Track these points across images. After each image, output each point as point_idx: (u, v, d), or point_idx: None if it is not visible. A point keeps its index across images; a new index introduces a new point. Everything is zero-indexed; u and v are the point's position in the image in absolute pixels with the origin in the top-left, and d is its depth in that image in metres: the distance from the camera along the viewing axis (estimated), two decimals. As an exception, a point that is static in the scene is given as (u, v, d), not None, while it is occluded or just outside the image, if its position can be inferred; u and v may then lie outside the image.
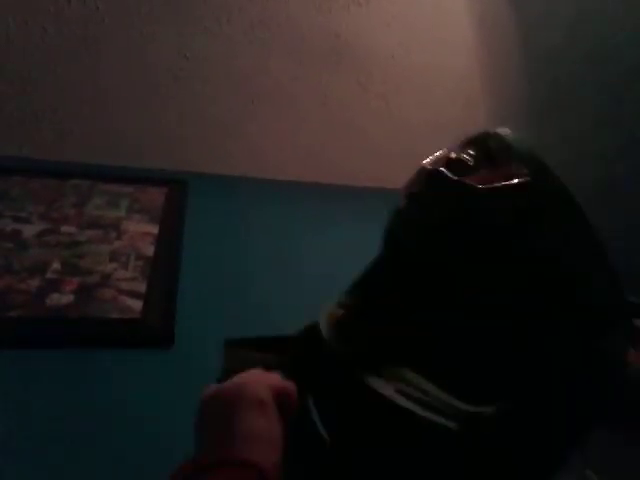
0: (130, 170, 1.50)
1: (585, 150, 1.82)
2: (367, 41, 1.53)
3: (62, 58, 1.41)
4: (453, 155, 0.54)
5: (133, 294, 0.97)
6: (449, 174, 0.50)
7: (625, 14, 1.63)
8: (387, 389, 0.43)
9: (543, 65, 1.69)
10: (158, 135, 1.54)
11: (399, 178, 1.76)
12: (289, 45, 1.50)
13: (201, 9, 1.43)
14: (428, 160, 0.57)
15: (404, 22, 1.53)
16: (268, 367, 0.50)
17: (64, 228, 1.15)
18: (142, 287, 0.99)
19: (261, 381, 0.47)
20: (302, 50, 1.51)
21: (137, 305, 0.95)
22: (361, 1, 1.48)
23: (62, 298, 0.93)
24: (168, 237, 1.18)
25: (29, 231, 1.11)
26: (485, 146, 0.53)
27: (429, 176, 0.53)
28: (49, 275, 0.98)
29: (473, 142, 0.55)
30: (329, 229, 1.40)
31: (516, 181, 0.46)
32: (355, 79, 1.57)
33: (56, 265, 1.01)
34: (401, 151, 1.70)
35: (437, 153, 0.58)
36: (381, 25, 1.52)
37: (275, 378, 0.48)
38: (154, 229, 1.20)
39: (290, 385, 0.47)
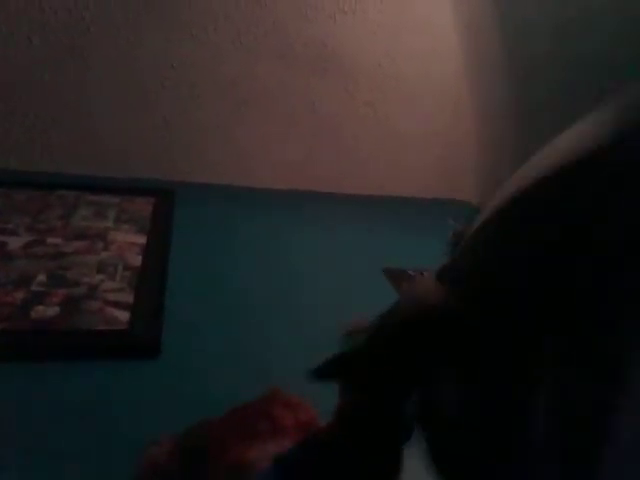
0: (117, 180, 1.50)
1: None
2: (354, 49, 1.54)
3: (48, 68, 1.41)
4: None
5: (120, 305, 0.96)
6: None
7: (609, 20, 1.65)
8: None
9: (528, 70, 1.71)
10: (145, 144, 1.53)
11: (387, 185, 1.78)
12: (276, 53, 1.51)
13: (188, 17, 1.44)
14: None
15: (390, 30, 1.54)
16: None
17: (50, 240, 1.14)
18: (129, 298, 0.99)
19: None
20: (289, 58, 1.52)
21: (124, 316, 0.94)
22: (347, 10, 1.49)
23: (47, 310, 0.92)
24: (156, 247, 1.17)
25: (15, 243, 1.09)
26: None
27: None
28: (35, 287, 0.97)
29: None
30: (318, 236, 1.40)
31: None
32: (343, 87, 1.58)
33: (42, 277, 1.00)
34: (389, 158, 1.71)
35: None
36: (367, 33, 1.53)
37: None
38: (142, 239, 1.20)
39: None
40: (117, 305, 0.96)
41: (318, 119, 1.61)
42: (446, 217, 1.53)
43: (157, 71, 1.47)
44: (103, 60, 1.43)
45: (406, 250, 1.41)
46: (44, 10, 1.36)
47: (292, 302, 1.07)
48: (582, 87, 1.76)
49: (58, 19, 1.37)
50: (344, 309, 1.08)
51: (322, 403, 0.63)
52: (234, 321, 0.99)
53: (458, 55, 1.64)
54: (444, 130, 1.73)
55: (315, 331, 0.99)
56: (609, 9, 1.63)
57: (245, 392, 0.80)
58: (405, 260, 1.33)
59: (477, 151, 1.79)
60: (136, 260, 1.11)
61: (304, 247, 1.32)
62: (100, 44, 1.41)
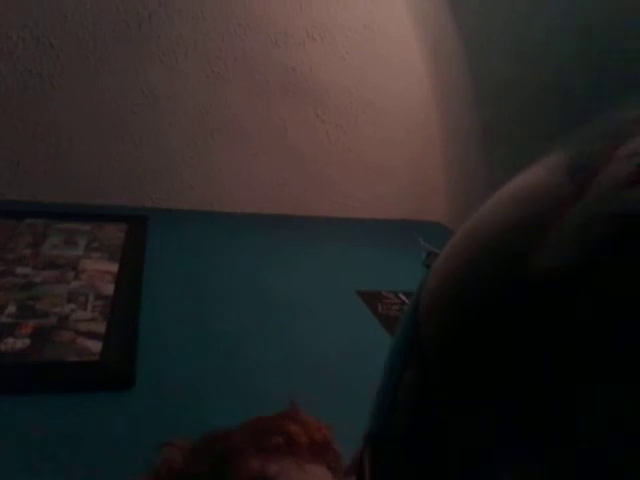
0: (88, 207, 1.48)
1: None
2: (323, 75, 1.57)
3: (16, 96, 1.40)
4: None
5: (92, 335, 0.95)
6: None
7: (576, 45, 1.71)
8: None
9: (495, 94, 1.76)
10: (116, 171, 1.53)
11: (358, 208, 1.80)
12: (246, 79, 1.53)
13: (157, 44, 1.45)
14: None
15: (359, 57, 1.58)
16: None
17: (19, 269, 1.12)
18: (102, 327, 0.97)
19: None
20: (259, 84, 1.54)
21: (96, 346, 0.92)
22: (316, 37, 1.52)
23: (17, 342, 0.90)
24: (128, 275, 1.16)
25: (-18, 274, 1.07)
26: None
27: None
28: (4, 319, 0.95)
29: None
30: (291, 260, 1.40)
31: None
32: (313, 112, 1.60)
33: (11, 308, 0.98)
34: (360, 181, 1.73)
35: None
36: (336, 59, 1.56)
37: None
38: (114, 267, 1.18)
39: None
40: (89, 335, 0.94)
41: (289, 144, 1.62)
42: (418, 238, 1.57)
43: (127, 98, 1.47)
44: (72, 87, 1.43)
45: (379, 271, 1.42)
46: (11, 38, 1.35)
47: (268, 327, 1.07)
48: (549, 110, 1.82)
49: (26, 47, 1.37)
50: (320, 332, 1.08)
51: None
52: (210, 349, 0.98)
53: (426, 80, 1.68)
54: (414, 153, 1.77)
55: (292, 355, 0.99)
56: (574, 31, 1.70)
57: (223, 422, 0.79)
58: (379, 281, 1.34)
59: (447, 173, 1.82)
60: (108, 288, 1.10)
61: (277, 271, 1.33)
62: (69, 72, 1.41)
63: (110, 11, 1.39)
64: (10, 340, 0.90)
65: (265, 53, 1.51)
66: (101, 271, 1.16)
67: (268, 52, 1.52)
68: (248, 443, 0.57)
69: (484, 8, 1.64)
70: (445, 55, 1.67)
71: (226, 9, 1.45)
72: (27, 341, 0.91)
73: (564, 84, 1.78)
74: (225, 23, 1.46)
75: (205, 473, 0.54)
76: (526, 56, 1.73)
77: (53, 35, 1.37)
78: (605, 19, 1.60)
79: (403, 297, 1.28)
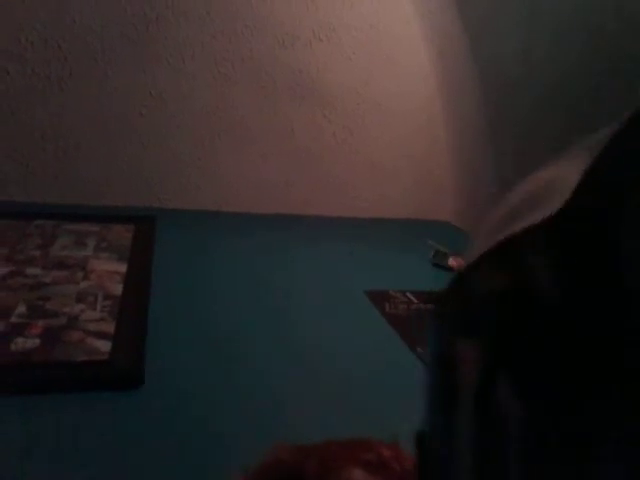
0: (96, 208, 1.49)
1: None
2: (330, 75, 1.57)
3: (25, 98, 1.41)
4: None
5: (101, 335, 0.95)
6: None
7: (584, 46, 1.71)
8: None
9: (501, 94, 1.75)
10: (124, 172, 1.53)
11: (366, 207, 1.80)
12: (253, 80, 1.53)
13: (165, 46, 1.45)
14: None
15: (365, 57, 1.58)
16: None
17: (29, 270, 1.13)
18: (110, 327, 0.98)
19: None
20: (266, 85, 1.54)
21: (105, 346, 0.93)
22: (322, 37, 1.52)
23: (27, 342, 0.91)
24: (137, 275, 1.17)
25: (-7, 274, 1.08)
26: None
27: None
28: (14, 319, 0.96)
29: None
30: (299, 259, 1.40)
31: None
32: (320, 112, 1.61)
33: (21, 308, 0.99)
34: (367, 181, 1.73)
35: None
36: (343, 59, 1.56)
37: None
38: (122, 267, 1.19)
39: None
40: (98, 335, 0.95)
41: (297, 144, 1.63)
42: (426, 237, 1.56)
43: (135, 100, 1.48)
44: (80, 90, 1.43)
45: (387, 271, 1.42)
46: (20, 41, 1.36)
47: (277, 327, 1.08)
48: (556, 110, 1.81)
49: (35, 50, 1.38)
50: (328, 331, 1.08)
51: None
52: (218, 348, 0.98)
53: (432, 80, 1.68)
54: (420, 153, 1.76)
55: (301, 357, 1.00)
56: (582, 32, 1.69)
57: (231, 421, 0.80)
58: (386, 280, 1.34)
59: (453, 172, 1.82)
60: (117, 289, 1.10)
61: (286, 270, 1.33)
62: (77, 74, 1.42)
63: (118, 14, 1.40)
64: (20, 340, 0.91)
65: (272, 54, 1.52)
66: (110, 271, 1.17)
67: (275, 53, 1.52)
68: (332, 457, 0.59)
69: (491, 8, 1.63)
70: (451, 55, 1.66)
71: (233, 11, 1.46)
72: (37, 341, 0.91)
73: (571, 84, 1.77)
74: (232, 25, 1.47)
75: (313, 470, 0.55)
76: (533, 56, 1.73)
77: (61, 38, 1.38)
78: (613, 20, 1.59)
79: (410, 296, 1.27)
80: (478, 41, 1.66)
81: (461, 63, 1.68)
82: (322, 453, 0.59)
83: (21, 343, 0.90)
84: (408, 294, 1.28)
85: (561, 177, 0.29)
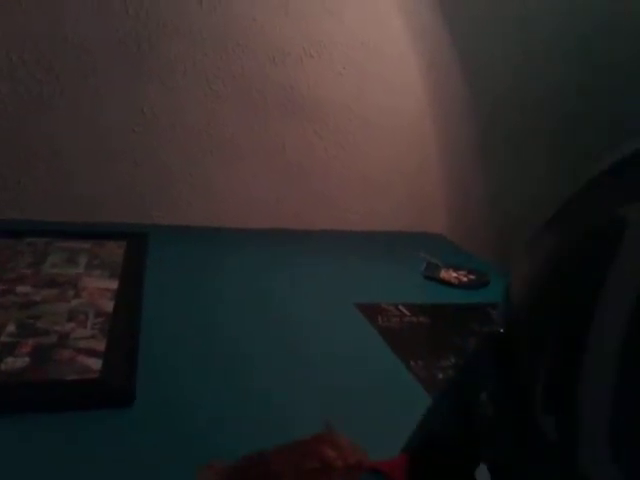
0: (89, 225, 1.49)
1: (531, 183, 1.89)
2: (320, 91, 1.59)
3: (17, 117, 1.42)
4: None
5: (92, 353, 0.95)
6: None
7: (574, 60, 1.73)
8: None
9: (492, 108, 1.77)
10: (116, 188, 1.54)
11: (358, 221, 1.81)
12: (244, 97, 1.54)
13: (156, 64, 1.46)
14: None
15: (355, 72, 1.59)
16: None
17: (20, 288, 1.12)
18: (101, 345, 0.97)
19: None
20: (257, 101, 1.55)
21: (96, 364, 0.92)
22: (313, 53, 1.54)
23: (17, 361, 0.90)
24: (128, 292, 1.17)
25: (-17, 293, 1.08)
26: None
27: None
28: (4, 338, 0.95)
29: None
30: (292, 273, 1.41)
31: None
32: (311, 128, 1.62)
33: (11, 327, 0.99)
34: (359, 195, 1.74)
35: None
36: (334, 76, 1.58)
37: None
38: (113, 284, 1.19)
39: None
40: (89, 353, 0.95)
41: (288, 160, 1.64)
42: (418, 250, 1.57)
43: (127, 117, 1.49)
44: (72, 107, 1.44)
45: (379, 283, 1.43)
46: (11, 59, 1.37)
47: (268, 342, 1.07)
48: (546, 125, 1.83)
49: (27, 69, 1.39)
50: (320, 345, 1.08)
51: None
52: (211, 365, 0.98)
53: (423, 95, 1.70)
54: (412, 167, 1.78)
55: (293, 369, 0.99)
56: (571, 47, 1.71)
57: (225, 439, 0.79)
58: (378, 293, 1.35)
59: (444, 186, 1.83)
60: (108, 306, 1.10)
61: (278, 285, 1.33)
62: (69, 92, 1.43)
63: (109, 32, 1.41)
64: (10, 359, 0.90)
65: (263, 71, 1.53)
66: (101, 289, 1.17)
67: (265, 70, 1.53)
68: (285, 467, 0.60)
69: (481, 24, 1.66)
70: (442, 70, 1.69)
71: (223, 29, 1.47)
72: (27, 360, 0.91)
73: (561, 99, 1.79)
74: (223, 42, 1.48)
75: None
76: (523, 72, 1.75)
77: (53, 56, 1.39)
78: (602, 36, 1.62)
79: (403, 309, 1.28)
80: (468, 57, 1.68)
81: (452, 79, 1.70)
82: (259, 470, 0.59)
83: (11, 362, 0.90)
84: (400, 306, 1.29)
85: None
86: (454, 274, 1.48)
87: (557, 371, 0.34)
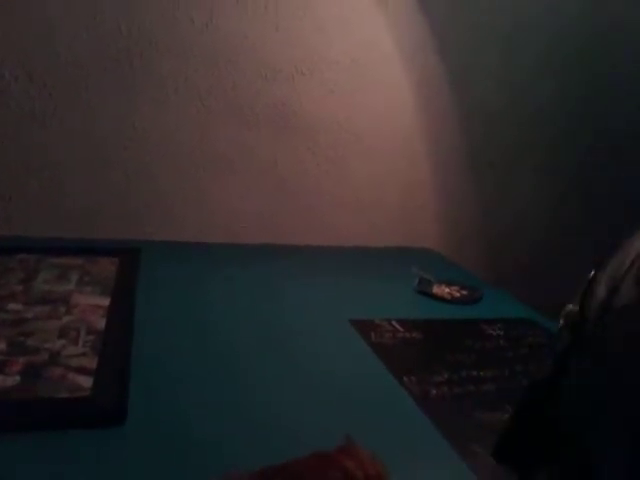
0: (80, 241, 1.49)
1: (521, 198, 1.91)
2: (312, 108, 1.60)
3: (9, 132, 1.41)
4: None
5: (83, 371, 0.94)
6: None
7: (564, 76, 1.76)
8: None
9: (482, 123, 1.79)
10: (108, 205, 1.54)
11: (351, 237, 1.81)
12: (236, 113, 1.55)
13: (148, 81, 1.47)
14: None
15: (346, 89, 1.61)
16: None
17: (11, 305, 1.11)
18: (93, 363, 0.96)
19: None
20: (249, 118, 1.56)
21: (87, 382, 0.92)
22: (305, 71, 1.55)
23: (7, 380, 0.89)
24: (120, 308, 1.16)
25: (-27, 311, 1.07)
26: None
27: None
28: (-6, 356, 0.95)
29: None
30: (285, 289, 1.40)
31: None
32: (303, 144, 1.63)
33: (2, 345, 0.98)
34: (351, 210, 1.75)
35: None
36: (325, 92, 1.59)
37: None
38: (105, 301, 1.18)
39: None
40: (80, 371, 0.94)
41: (280, 175, 1.64)
42: (410, 265, 1.57)
43: (119, 133, 1.49)
44: (65, 124, 1.44)
45: (372, 299, 1.43)
46: (4, 76, 1.38)
47: (262, 358, 1.07)
48: (538, 140, 1.85)
49: (19, 85, 1.39)
50: (313, 361, 1.08)
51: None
52: (204, 382, 0.97)
53: (414, 111, 1.71)
54: (403, 182, 1.79)
55: (286, 385, 0.99)
56: (562, 63, 1.74)
57: (218, 460, 0.79)
58: (371, 309, 1.34)
59: (436, 202, 1.85)
60: (100, 323, 1.09)
61: (270, 301, 1.33)
62: (62, 109, 1.43)
63: (102, 49, 1.42)
64: (0, 378, 0.90)
65: (255, 88, 1.54)
66: (93, 305, 1.16)
67: (258, 87, 1.54)
68: (307, 478, 0.61)
69: (472, 39, 1.68)
70: (432, 86, 1.70)
71: (215, 46, 1.48)
72: (17, 378, 0.90)
73: (552, 115, 1.81)
74: (215, 59, 1.49)
75: None
76: (515, 87, 1.78)
77: (46, 73, 1.40)
78: (593, 53, 1.64)
79: (396, 325, 1.28)
80: (459, 73, 1.71)
81: (442, 94, 1.72)
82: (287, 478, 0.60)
83: (1, 381, 0.89)
84: (394, 322, 1.29)
85: None
86: (447, 289, 1.48)
87: None
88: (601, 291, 0.49)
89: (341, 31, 1.56)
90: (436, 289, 1.47)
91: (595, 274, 0.52)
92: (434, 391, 1.01)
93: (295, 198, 1.68)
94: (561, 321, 0.56)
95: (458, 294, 1.47)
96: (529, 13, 1.69)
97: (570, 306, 0.55)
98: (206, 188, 1.60)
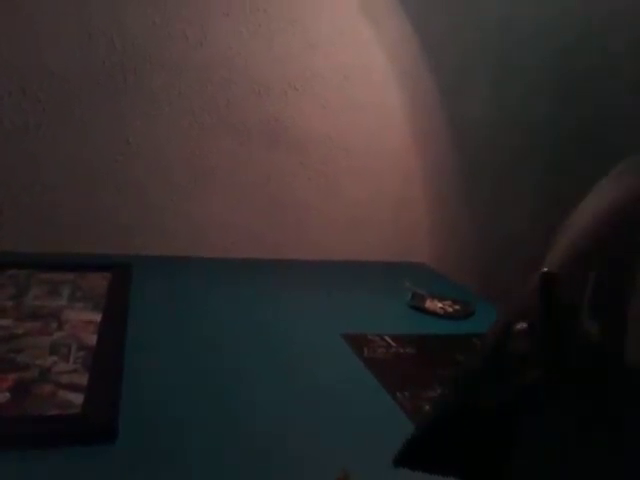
0: (72, 257, 1.48)
1: (515, 214, 1.92)
2: (304, 123, 1.61)
3: (1, 147, 1.41)
4: None
5: (74, 387, 0.93)
6: None
7: (554, 95, 1.78)
8: None
9: (470, 136, 1.81)
10: (100, 220, 1.53)
11: (343, 251, 1.81)
12: (229, 128, 1.56)
13: (142, 96, 1.48)
14: None
15: (338, 105, 1.62)
16: None
17: (1, 321, 1.10)
18: (84, 379, 0.96)
19: None
20: (241, 132, 1.57)
21: (78, 399, 0.91)
22: (297, 87, 1.57)
23: (-3, 397, 0.88)
24: (112, 324, 1.15)
25: (-37, 327, 1.06)
26: None
27: None
28: (-17, 373, 0.94)
29: None
30: (277, 304, 1.40)
31: None
32: (295, 159, 1.64)
33: (-9, 362, 0.97)
34: (343, 225, 1.76)
35: None
36: (317, 108, 1.61)
37: None
38: (97, 317, 1.17)
39: None
40: (71, 388, 0.93)
41: (272, 190, 1.65)
42: (403, 280, 1.58)
43: (112, 147, 1.49)
44: (58, 138, 1.44)
45: (364, 314, 1.43)
46: (-2, 91, 1.38)
47: (253, 374, 1.06)
48: (532, 154, 1.86)
49: (13, 100, 1.39)
50: (306, 376, 1.07)
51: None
52: (197, 398, 0.97)
53: (405, 126, 1.73)
54: (396, 197, 1.80)
55: (278, 401, 0.98)
56: (556, 79, 1.76)
57: (209, 477, 0.78)
58: (364, 324, 1.34)
59: (429, 215, 1.86)
60: (91, 339, 1.08)
61: (262, 316, 1.32)
62: (55, 123, 1.43)
63: (96, 65, 1.42)
64: (-10, 395, 0.89)
65: (247, 103, 1.55)
66: (84, 321, 1.15)
67: (250, 102, 1.55)
68: None
69: (464, 57, 1.70)
70: (425, 103, 1.72)
71: (209, 62, 1.49)
72: (7, 395, 0.89)
73: (547, 129, 1.83)
74: (208, 75, 1.50)
75: None
76: (507, 105, 1.79)
77: (40, 88, 1.40)
78: (585, 75, 1.66)
79: (389, 339, 1.28)
80: (450, 90, 1.72)
81: (433, 110, 1.74)
82: None
83: (-10, 398, 0.88)
84: (386, 337, 1.29)
85: None
86: (439, 304, 1.48)
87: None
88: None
89: (333, 48, 1.57)
90: (429, 304, 1.47)
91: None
92: (427, 407, 1.01)
93: (286, 213, 1.69)
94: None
95: (450, 309, 1.47)
96: (522, 33, 1.71)
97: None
98: (198, 203, 1.60)
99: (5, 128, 1.40)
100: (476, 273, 1.84)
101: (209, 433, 0.88)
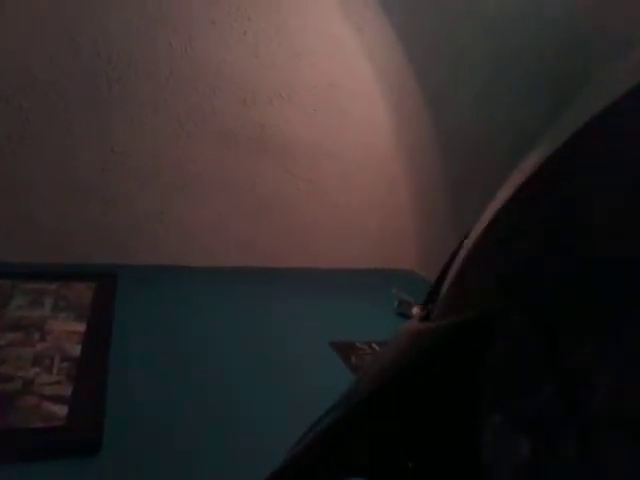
0: (57, 266, 1.46)
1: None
2: (291, 130, 1.61)
3: (-17, 156, 1.39)
4: None
5: (58, 399, 0.92)
6: None
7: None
8: None
9: (462, 146, 1.82)
10: (85, 228, 1.52)
11: (330, 258, 1.81)
12: (215, 136, 1.55)
13: (127, 104, 1.47)
14: None
15: (324, 112, 1.62)
16: None
17: (-17, 332, 1.09)
18: (67, 391, 0.94)
19: None
20: (228, 141, 1.57)
21: (62, 411, 0.89)
22: (284, 95, 1.57)
23: (-22, 410, 0.87)
24: (96, 335, 1.14)
25: (-56, 338, 1.04)
26: None
27: None
28: (-36, 385, 0.92)
29: None
30: (265, 312, 1.39)
31: None
32: (282, 166, 1.63)
33: (-27, 374, 0.95)
34: (330, 232, 1.75)
35: None
36: (303, 116, 1.60)
37: None
38: (81, 327, 1.16)
39: None
40: (54, 400, 0.92)
41: (260, 197, 1.64)
42: (390, 287, 1.58)
43: (97, 156, 1.48)
44: (42, 147, 1.43)
45: (352, 322, 1.42)
46: (-20, 100, 1.36)
47: (240, 383, 1.06)
48: (508, 158, 1.88)
49: (-5, 108, 1.37)
50: (293, 384, 1.07)
51: None
52: (182, 410, 0.96)
53: (390, 135, 1.73)
54: (382, 205, 1.80)
55: (265, 409, 0.98)
56: (542, 90, 1.78)
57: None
58: (352, 332, 1.34)
59: (416, 223, 1.86)
60: (75, 350, 1.07)
61: (250, 325, 1.32)
62: (39, 132, 1.42)
63: (80, 73, 1.41)
64: (-29, 408, 0.87)
65: (234, 111, 1.55)
66: (68, 332, 1.14)
67: (237, 110, 1.55)
68: None
69: (452, 67, 1.71)
70: (409, 110, 1.73)
71: (195, 69, 1.49)
72: (-11, 408, 0.88)
73: (535, 137, 1.84)
74: (194, 83, 1.49)
75: None
76: (495, 113, 1.81)
77: (23, 97, 1.38)
78: (576, 83, 1.67)
79: (376, 347, 1.27)
80: (435, 98, 1.73)
81: (419, 119, 1.75)
82: None
83: (-29, 411, 0.86)
84: (374, 345, 1.28)
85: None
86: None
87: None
88: None
89: (319, 56, 1.58)
90: (415, 310, 1.47)
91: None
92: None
93: (274, 220, 1.68)
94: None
95: (438, 315, 1.47)
96: (510, 44, 1.73)
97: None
98: (185, 211, 1.59)
99: (-12, 136, 1.38)
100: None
101: (194, 444, 0.87)
